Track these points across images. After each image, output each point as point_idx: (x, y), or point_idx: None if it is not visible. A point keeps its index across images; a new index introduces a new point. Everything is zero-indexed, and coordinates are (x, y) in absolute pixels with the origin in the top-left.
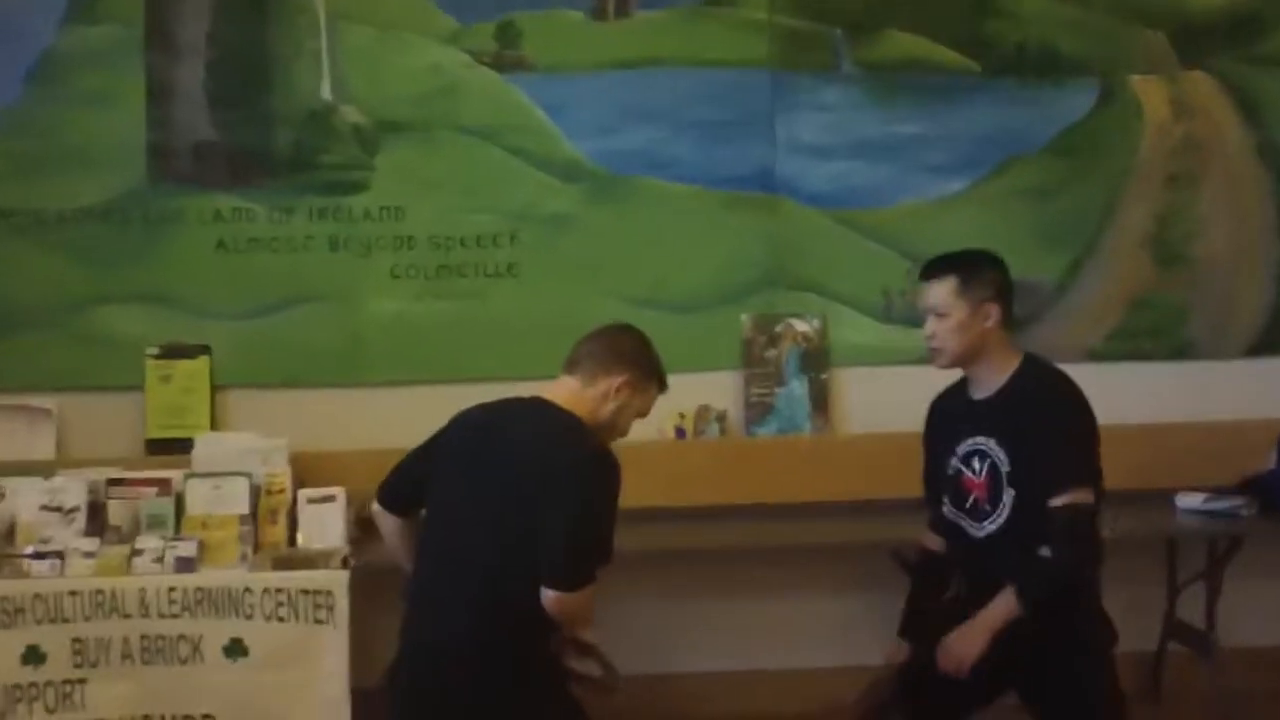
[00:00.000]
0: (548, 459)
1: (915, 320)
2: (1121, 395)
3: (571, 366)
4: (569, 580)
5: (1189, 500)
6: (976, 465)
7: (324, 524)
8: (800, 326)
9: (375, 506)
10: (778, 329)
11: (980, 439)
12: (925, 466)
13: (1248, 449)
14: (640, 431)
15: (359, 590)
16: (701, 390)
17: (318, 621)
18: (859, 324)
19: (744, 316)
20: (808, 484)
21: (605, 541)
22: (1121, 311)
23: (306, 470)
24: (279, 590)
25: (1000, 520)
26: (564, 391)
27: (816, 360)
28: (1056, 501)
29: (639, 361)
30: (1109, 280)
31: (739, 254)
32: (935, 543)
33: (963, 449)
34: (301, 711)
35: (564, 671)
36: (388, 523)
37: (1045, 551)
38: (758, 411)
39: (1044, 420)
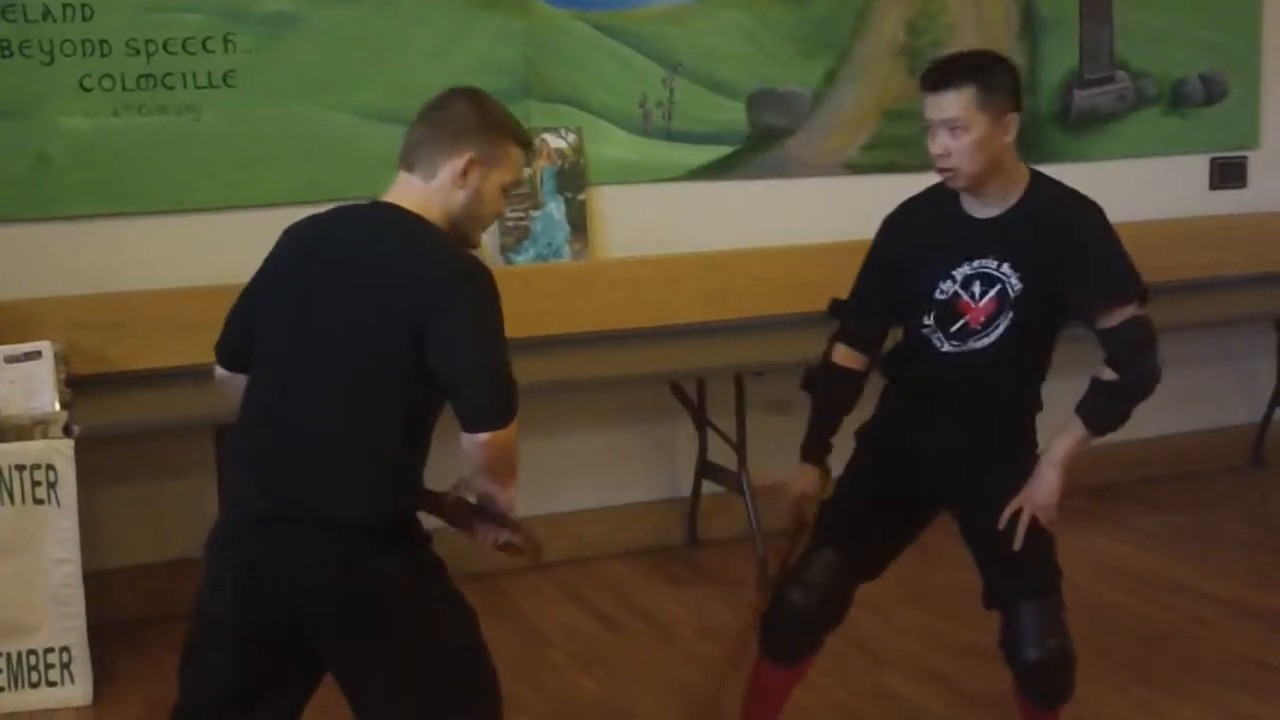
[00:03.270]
0: (410, 282)
1: (674, 134)
2: (877, 208)
3: (408, 160)
4: (501, 413)
5: None
6: (978, 289)
7: (30, 386)
8: (556, 143)
9: (217, 370)
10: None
11: (989, 261)
12: (868, 280)
13: None
14: None
15: (84, 462)
16: None
17: (37, 501)
18: (616, 138)
19: None
20: (570, 314)
21: (510, 368)
22: (875, 122)
23: None
24: None
25: (983, 343)
26: (407, 192)
27: (573, 179)
28: (1116, 319)
29: (482, 129)
30: (864, 90)
31: (487, 61)
32: (848, 358)
33: (962, 272)
34: (25, 607)
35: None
36: (236, 385)
37: (1108, 375)
38: (514, 237)
39: (1080, 238)
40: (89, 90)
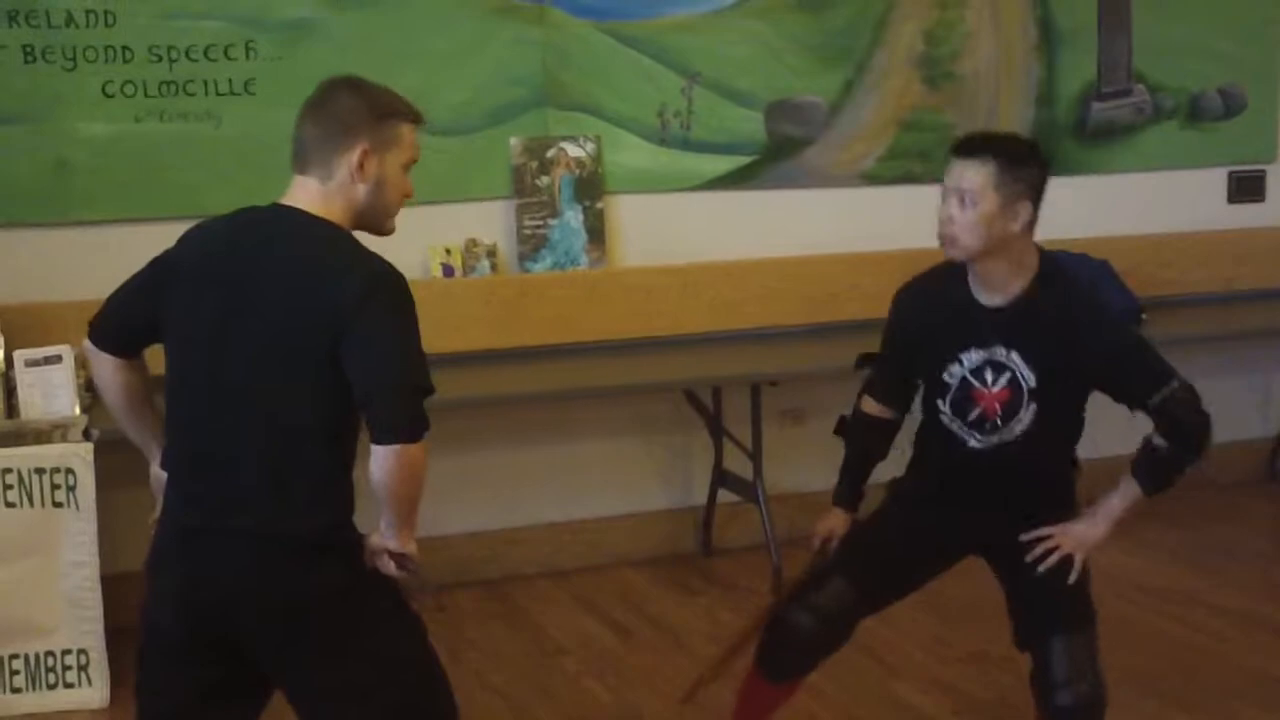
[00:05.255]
0: (322, 292)
1: (692, 143)
2: (893, 219)
3: (301, 163)
4: (413, 425)
5: None
6: (990, 377)
7: (49, 390)
8: (574, 151)
9: (86, 344)
10: (550, 154)
11: (999, 350)
12: (888, 349)
13: None
14: (402, 270)
15: (103, 465)
16: (468, 222)
17: (56, 504)
18: (634, 147)
19: (513, 140)
20: (587, 322)
21: (427, 374)
22: (892, 133)
23: (18, 327)
24: (6, 471)
25: (1012, 435)
26: (305, 197)
27: (591, 188)
28: (1161, 396)
29: (371, 117)
30: (881, 101)
31: (505, 68)
32: (878, 410)
33: (972, 359)
34: (44, 608)
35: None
36: (103, 365)
37: (1161, 441)
38: (531, 245)
39: (1104, 349)
40: (110, 96)
